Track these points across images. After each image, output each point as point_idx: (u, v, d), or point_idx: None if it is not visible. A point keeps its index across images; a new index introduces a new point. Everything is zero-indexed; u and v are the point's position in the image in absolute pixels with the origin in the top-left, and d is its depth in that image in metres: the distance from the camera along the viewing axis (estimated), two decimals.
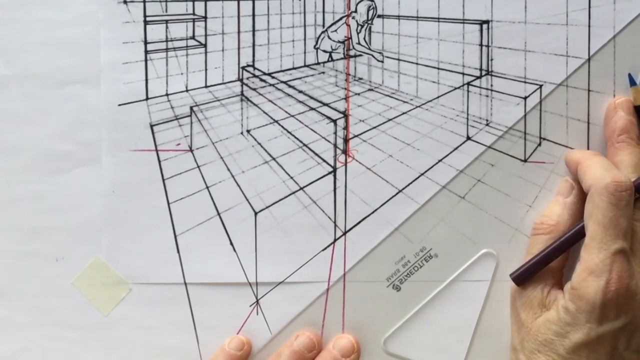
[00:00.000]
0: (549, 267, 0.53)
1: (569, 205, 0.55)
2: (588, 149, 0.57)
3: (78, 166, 0.58)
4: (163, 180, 0.58)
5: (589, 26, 0.57)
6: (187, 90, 0.58)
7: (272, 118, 0.59)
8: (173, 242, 0.58)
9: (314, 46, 0.60)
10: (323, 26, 0.60)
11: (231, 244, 0.58)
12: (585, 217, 0.51)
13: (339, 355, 0.56)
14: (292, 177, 0.58)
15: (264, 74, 0.60)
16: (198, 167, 0.58)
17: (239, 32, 0.59)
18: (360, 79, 0.60)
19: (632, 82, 0.56)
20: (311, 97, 0.60)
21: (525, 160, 0.57)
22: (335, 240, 0.58)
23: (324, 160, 0.58)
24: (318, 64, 0.61)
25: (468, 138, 0.58)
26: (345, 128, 0.58)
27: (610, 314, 0.49)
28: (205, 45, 0.59)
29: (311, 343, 0.56)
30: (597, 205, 0.50)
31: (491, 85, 0.58)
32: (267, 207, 0.58)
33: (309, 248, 0.58)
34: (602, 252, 0.49)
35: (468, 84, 0.58)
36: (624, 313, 0.49)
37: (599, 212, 0.50)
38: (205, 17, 0.59)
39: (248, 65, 0.59)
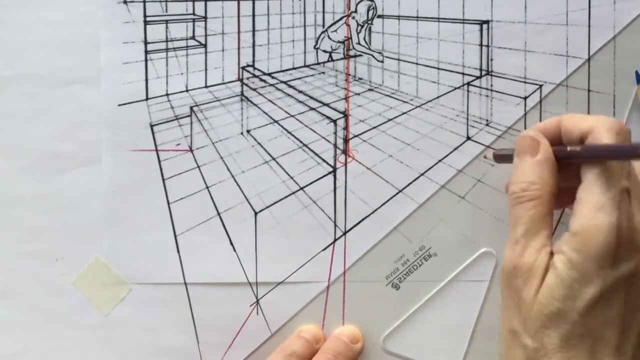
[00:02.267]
0: (542, 233, 0.47)
1: (542, 163, 0.48)
2: None
3: (78, 166, 0.58)
4: (163, 180, 0.58)
5: (589, 26, 0.57)
6: (187, 90, 0.58)
7: (272, 118, 0.59)
8: (173, 242, 0.58)
9: (314, 46, 0.60)
10: (323, 26, 0.60)
11: (231, 244, 0.58)
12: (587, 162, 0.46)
13: (348, 341, 0.56)
14: (292, 177, 0.58)
15: (264, 74, 0.60)
16: (198, 167, 0.58)
17: (239, 32, 0.59)
18: (360, 79, 0.60)
19: (639, 80, 0.56)
20: (311, 97, 0.60)
21: None
22: (335, 240, 0.58)
23: (324, 160, 0.58)
24: (318, 64, 0.61)
25: (468, 138, 0.58)
26: (345, 128, 0.58)
27: (625, 253, 0.44)
28: (205, 45, 0.59)
29: (318, 335, 0.57)
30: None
31: (491, 85, 0.58)
32: (267, 207, 0.58)
33: (309, 248, 0.58)
34: (610, 189, 0.44)
35: (468, 84, 0.58)
36: (636, 252, 0.44)
37: None
38: (205, 17, 0.59)
39: (248, 65, 0.59)
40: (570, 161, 0.47)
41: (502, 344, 0.48)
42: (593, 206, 0.44)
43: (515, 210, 0.48)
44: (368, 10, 0.58)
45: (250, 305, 0.58)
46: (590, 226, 0.44)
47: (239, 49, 0.59)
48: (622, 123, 0.46)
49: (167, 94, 0.58)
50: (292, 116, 0.59)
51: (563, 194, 0.48)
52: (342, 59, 0.60)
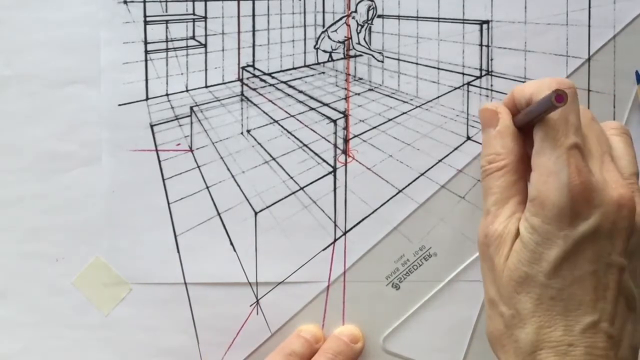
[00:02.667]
0: (512, 200, 0.47)
1: (503, 132, 0.48)
2: None
3: (78, 166, 0.58)
4: (163, 180, 0.58)
5: (589, 26, 0.57)
6: (187, 90, 0.58)
7: (272, 118, 0.59)
8: (173, 242, 0.58)
9: (314, 46, 0.60)
10: (323, 26, 0.60)
11: (231, 244, 0.58)
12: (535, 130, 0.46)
13: (348, 341, 0.56)
14: (292, 177, 0.58)
15: (264, 74, 0.60)
16: (198, 167, 0.58)
17: (239, 32, 0.59)
18: (360, 79, 0.60)
19: (639, 80, 0.56)
20: (311, 97, 0.60)
21: None
22: (335, 240, 0.58)
23: (324, 160, 0.58)
24: (318, 64, 0.61)
25: (468, 138, 0.58)
26: (345, 128, 0.58)
27: (582, 210, 0.43)
28: (205, 45, 0.59)
29: (318, 334, 0.57)
30: None
31: (491, 85, 0.58)
32: (267, 207, 0.58)
33: (309, 248, 0.58)
34: (556, 149, 0.44)
35: (468, 84, 0.58)
36: (595, 208, 0.43)
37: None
38: (205, 17, 0.59)
39: (248, 65, 0.59)
40: (530, 124, 0.47)
41: (486, 315, 0.48)
42: (543, 169, 0.44)
43: (485, 182, 0.48)
44: (368, 10, 0.58)
45: (250, 305, 0.58)
46: (543, 190, 0.43)
47: (239, 49, 0.59)
48: (562, 81, 0.46)
49: (167, 94, 0.58)
50: (292, 116, 0.59)
51: None
52: (342, 59, 0.60)
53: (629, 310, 0.45)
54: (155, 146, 0.58)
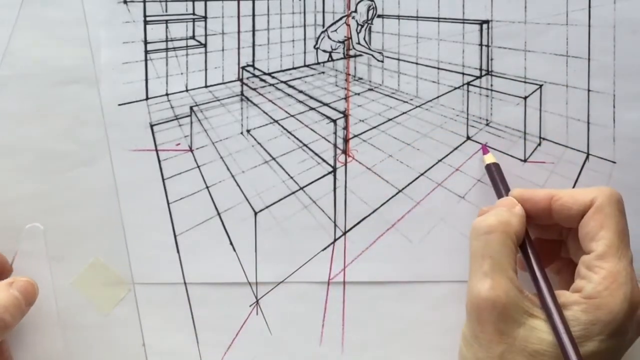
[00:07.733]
0: (512, 267, 0.49)
1: (517, 214, 0.51)
2: (588, 149, 0.57)
3: (78, 166, 0.58)
4: (163, 180, 0.58)
5: (589, 26, 0.57)
6: (187, 90, 0.58)
7: (272, 118, 0.59)
8: (173, 242, 0.58)
9: (314, 46, 0.60)
10: (323, 26, 0.60)
11: (231, 244, 0.58)
12: (592, 229, 0.49)
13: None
14: (292, 177, 0.58)
15: (264, 73, 0.60)
16: (198, 167, 0.58)
17: (239, 32, 0.59)
18: (360, 79, 0.60)
19: None
20: (311, 97, 0.60)
21: (525, 160, 0.58)
22: (335, 240, 0.58)
23: (324, 160, 0.58)
24: (318, 64, 0.61)
25: (468, 138, 0.58)
26: (345, 128, 0.58)
27: (631, 326, 0.47)
28: (205, 45, 0.59)
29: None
30: (609, 214, 0.48)
31: (491, 85, 0.58)
32: (267, 207, 0.58)
33: (309, 248, 0.58)
34: (622, 260, 0.47)
35: (468, 84, 0.58)
36: (634, 324, 0.47)
37: (612, 221, 0.48)
38: (205, 17, 0.59)
39: (248, 65, 0.59)
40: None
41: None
42: (609, 275, 0.47)
43: (481, 240, 0.51)
44: (368, 10, 0.58)
45: (250, 306, 0.58)
46: (605, 295, 0.47)
47: (239, 48, 0.59)
48: (619, 195, 0.50)
49: (167, 94, 0.58)
50: (292, 116, 0.59)
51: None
52: (342, 58, 0.60)
53: None
54: (155, 146, 0.58)
